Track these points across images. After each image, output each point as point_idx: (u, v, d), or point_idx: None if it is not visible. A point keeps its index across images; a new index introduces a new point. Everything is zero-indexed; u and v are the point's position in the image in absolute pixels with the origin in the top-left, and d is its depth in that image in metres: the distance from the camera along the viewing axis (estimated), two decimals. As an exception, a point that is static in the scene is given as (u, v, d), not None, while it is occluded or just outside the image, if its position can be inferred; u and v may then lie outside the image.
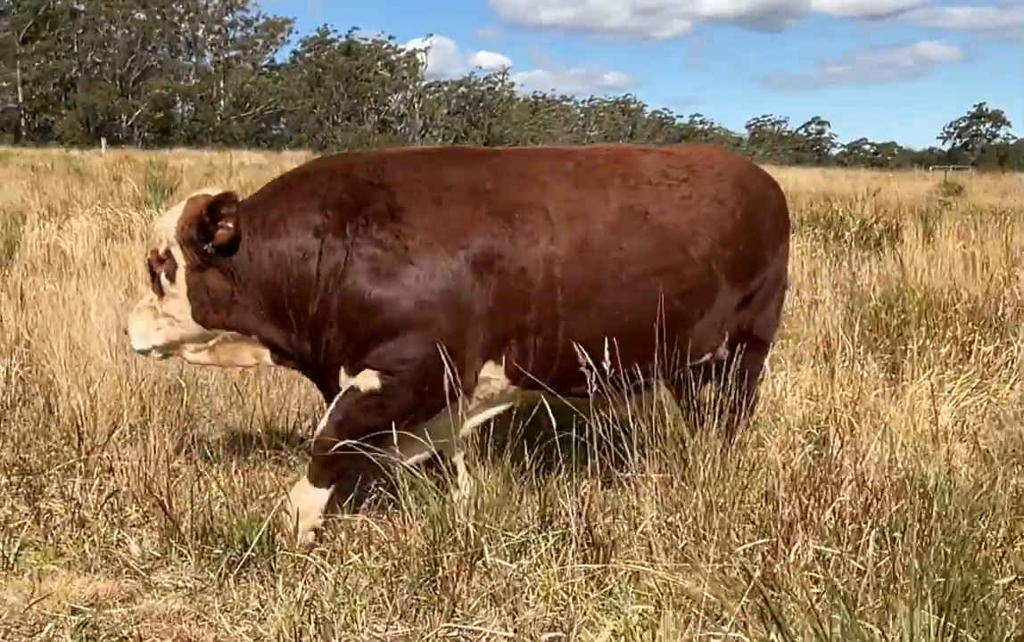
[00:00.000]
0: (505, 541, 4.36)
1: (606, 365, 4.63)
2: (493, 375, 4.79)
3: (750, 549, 4.20)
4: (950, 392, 7.25)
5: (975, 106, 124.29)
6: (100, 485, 5.11)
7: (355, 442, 4.58)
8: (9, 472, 5.23)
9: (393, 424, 4.60)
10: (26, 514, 4.85)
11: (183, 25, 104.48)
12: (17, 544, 4.59)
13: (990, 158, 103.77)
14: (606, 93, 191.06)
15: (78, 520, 4.79)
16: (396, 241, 4.61)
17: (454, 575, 4.15)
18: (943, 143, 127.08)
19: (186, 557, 4.53)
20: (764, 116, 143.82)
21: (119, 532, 4.75)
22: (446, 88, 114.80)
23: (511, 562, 4.27)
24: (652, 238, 4.88)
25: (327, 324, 4.68)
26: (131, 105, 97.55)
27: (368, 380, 4.64)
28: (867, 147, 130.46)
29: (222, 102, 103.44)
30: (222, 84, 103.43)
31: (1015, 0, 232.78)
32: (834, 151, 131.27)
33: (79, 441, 5.39)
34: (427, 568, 4.28)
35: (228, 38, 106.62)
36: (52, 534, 4.72)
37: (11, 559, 4.49)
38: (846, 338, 8.37)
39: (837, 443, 5.88)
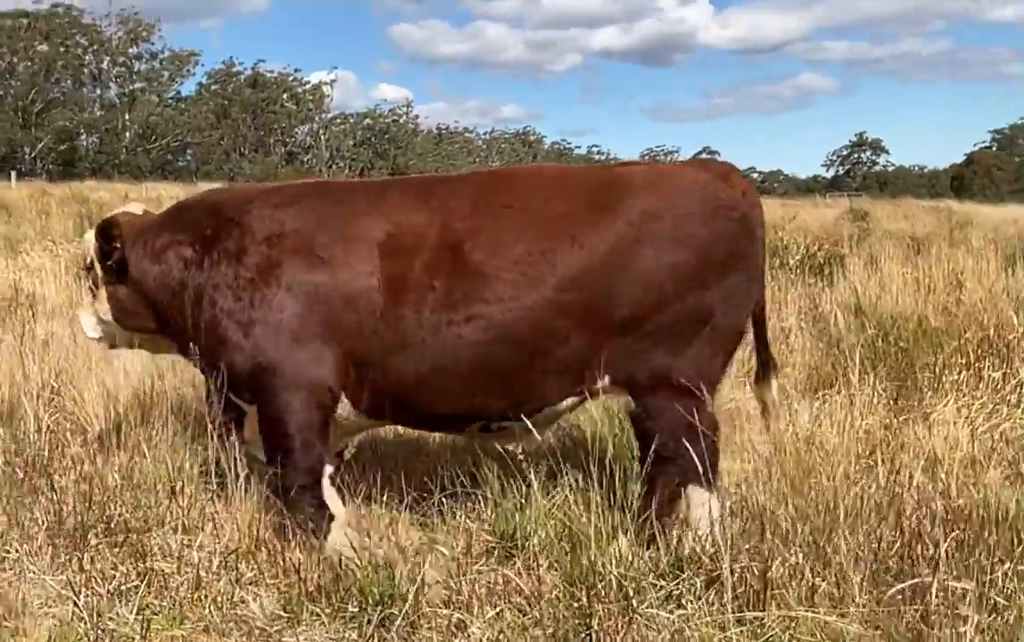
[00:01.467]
0: (655, 590, 4.21)
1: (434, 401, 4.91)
2: (340, 404, 4.98)
3: (899, 590, 4.10)
4: (967, 418, 7.34)
5: (856, 135, 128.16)
6: (205, 542, 4.79)
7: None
8: (109, 531, 4.85)
9: (300, 439, 4.90)
10: (137, 576, 4.50)
11: (87, 57, 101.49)
12: (134, 609, 4.27)
13: (871, 185, 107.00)
14: (506, 125, 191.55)
15: (193, 580, 4.47)
16: (235, 281, 4.95)
17: (612, 630, 3.98)
18: (827, 170, 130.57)
19: (319, 616, 4.28)
20: (657, 146, 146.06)
21: (237, 591, 4.45)
22: (352, 120, 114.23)
23: (665, 612, 4.12)
24: (461, 276, 4.73)
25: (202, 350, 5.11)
26: (34, 137, 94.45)
27: (255, 415, 5.12)
28: (755, 175, 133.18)
29: (127, 134, 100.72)
30: (127, 116, 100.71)
31: (886, 36, 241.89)
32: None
33: (173, 495, 5.05)
34: (578, 622, 4.10)
35: (133, 70, 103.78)
36: (169, 596, 4.41)
37: (138, 627, 4.16)
38: (849, 364, 8.40)
39: (884, 472, 5.88)
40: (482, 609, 4.25)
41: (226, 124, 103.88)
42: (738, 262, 4.89)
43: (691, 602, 4.13)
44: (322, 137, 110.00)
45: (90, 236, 5.54)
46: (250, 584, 4.53)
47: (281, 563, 4.50)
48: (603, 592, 4.14)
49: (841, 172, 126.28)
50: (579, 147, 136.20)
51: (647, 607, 4.09)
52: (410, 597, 4.17)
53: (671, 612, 4.09)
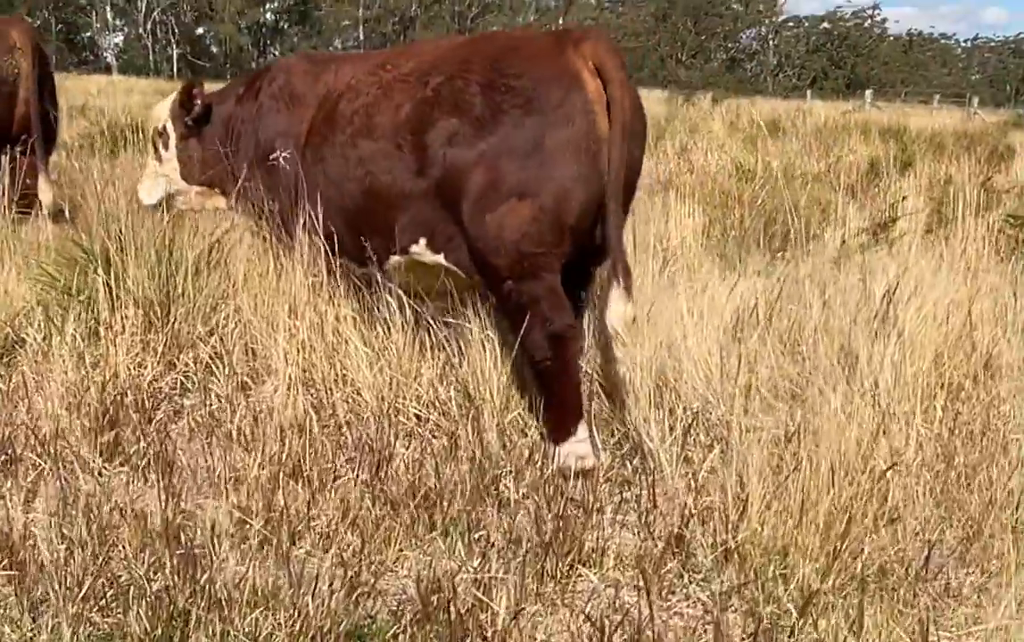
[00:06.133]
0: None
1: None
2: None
3: None
4: None
5: None
6: None
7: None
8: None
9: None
10: None
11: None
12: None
13: None
14: (993, 32, 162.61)
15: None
16: (254, 115, 5.76)
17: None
18: None
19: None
20: None
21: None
22: (806, 24, 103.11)
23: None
24: (326, 124, 5.18)
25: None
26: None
27: None
28: None
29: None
30: (563, 20, 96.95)
31: None
32: None
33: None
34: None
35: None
36: None
37: None
38: None
39: None
40: None
41: (664, 28, 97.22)
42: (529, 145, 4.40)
43: None
44: (770, 42, 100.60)
45: (164, 103, 6.31)
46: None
47: None
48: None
49: None
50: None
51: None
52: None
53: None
